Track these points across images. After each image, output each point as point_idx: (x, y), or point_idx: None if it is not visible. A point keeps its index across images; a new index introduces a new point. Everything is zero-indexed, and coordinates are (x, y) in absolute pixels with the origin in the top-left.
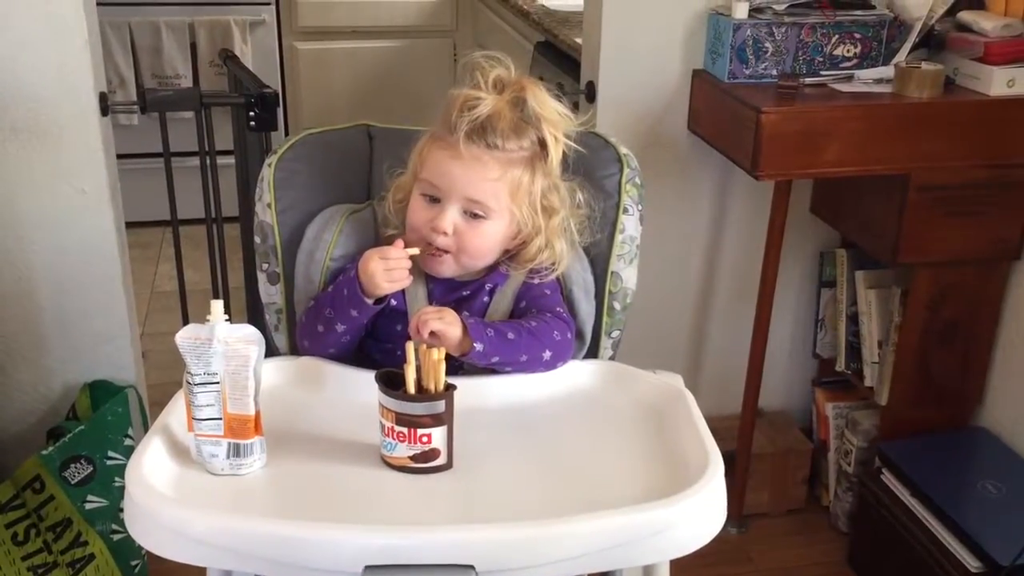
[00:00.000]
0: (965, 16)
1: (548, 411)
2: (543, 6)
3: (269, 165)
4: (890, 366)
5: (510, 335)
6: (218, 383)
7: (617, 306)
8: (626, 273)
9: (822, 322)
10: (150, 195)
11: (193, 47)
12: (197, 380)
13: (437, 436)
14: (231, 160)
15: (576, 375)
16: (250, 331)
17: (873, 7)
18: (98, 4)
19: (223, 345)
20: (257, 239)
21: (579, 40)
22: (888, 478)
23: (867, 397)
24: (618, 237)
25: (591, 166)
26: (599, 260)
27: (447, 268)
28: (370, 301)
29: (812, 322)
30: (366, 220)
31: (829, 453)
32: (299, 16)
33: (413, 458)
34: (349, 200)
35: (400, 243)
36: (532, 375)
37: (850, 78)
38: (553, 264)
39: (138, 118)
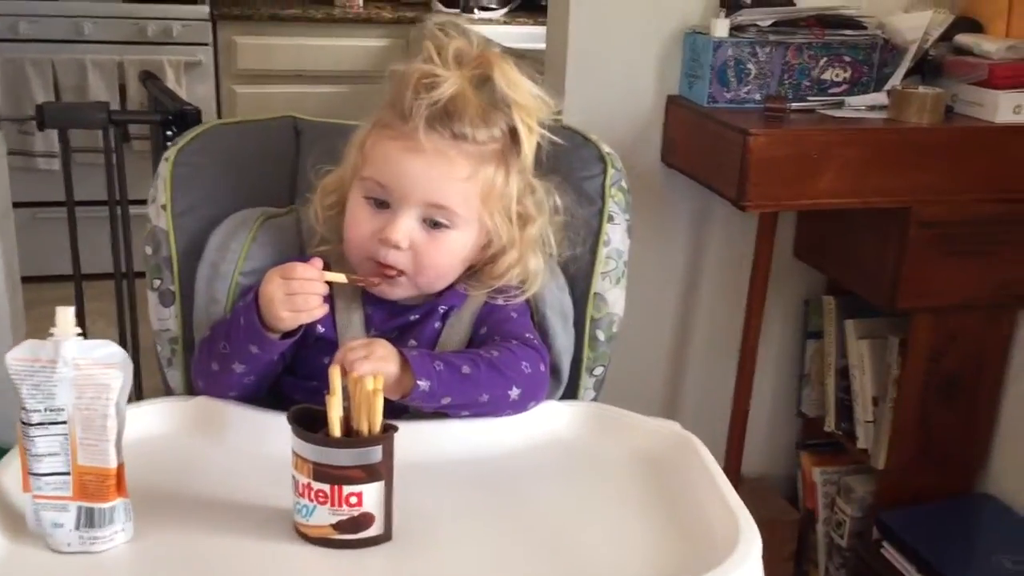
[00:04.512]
0: (964, 39)
1: (519, 464)
2: (498, 44)
3: (167, 159)
4: (888, 425)
5: (465, 369)
6: (65, 423)
7: (601, 336)
8: (611, 295)
9: (807, 377)
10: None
11: (122, 88)
12: (35, 419)
13: (370, 496)
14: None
15: (554, 419)
16: (111, 350)
17: (864, 28)
18: (19, 40)
19: (72, 369)
20: (148, 250)
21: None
22: (889, 552)
23: (861, 460)
24: (602, 251)
25: (568, 166)
26: (579, 279)
27: (401, 291)
28: (274, 336)
29: (796, 377)
30: (287, 227)
31: (818, 524)
32: (238, 58)
33: (337, 526)
34: (268, 205)
35: (317, 261)
36: (497, 419)
37: (840, 104)
38: (524, 283)
39: (58, 163)
